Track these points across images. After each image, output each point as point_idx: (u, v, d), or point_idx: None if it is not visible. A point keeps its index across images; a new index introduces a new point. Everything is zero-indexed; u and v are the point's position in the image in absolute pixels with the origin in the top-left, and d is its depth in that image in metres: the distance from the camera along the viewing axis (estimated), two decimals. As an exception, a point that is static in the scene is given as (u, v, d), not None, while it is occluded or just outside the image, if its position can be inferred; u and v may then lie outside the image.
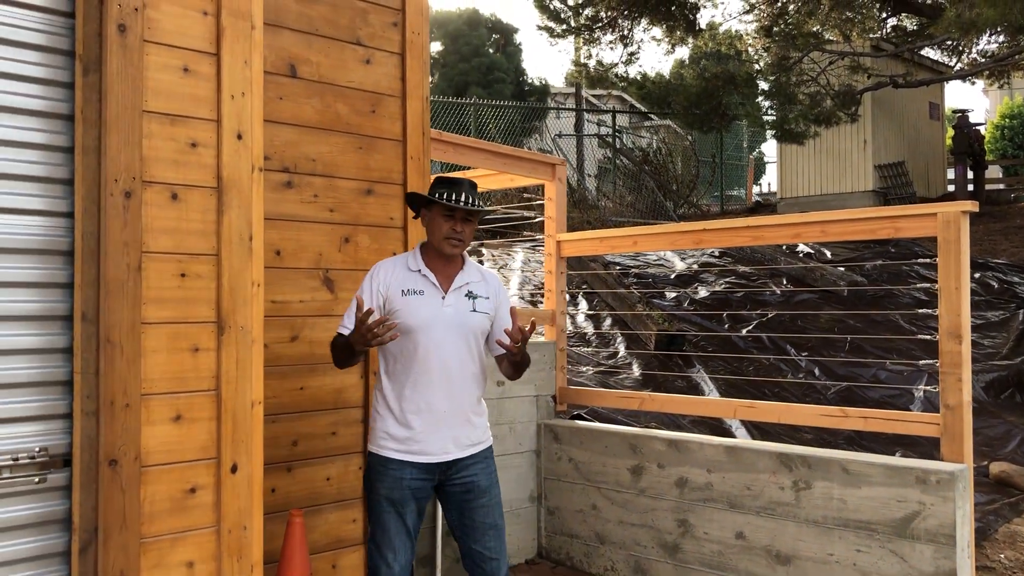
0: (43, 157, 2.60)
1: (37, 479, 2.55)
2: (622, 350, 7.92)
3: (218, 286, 2.77)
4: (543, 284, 6.66)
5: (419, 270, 3.27)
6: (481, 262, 10.33)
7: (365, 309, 2.90)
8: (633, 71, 16.75)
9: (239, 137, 2.81)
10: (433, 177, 3.48)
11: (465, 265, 3.36)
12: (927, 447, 6.04)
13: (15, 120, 2.56)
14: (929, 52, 17.15)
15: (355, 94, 3.75)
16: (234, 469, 2.77)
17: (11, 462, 2.50)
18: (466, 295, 3.29)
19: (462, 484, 3.27)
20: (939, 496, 3.74)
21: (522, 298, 8.94)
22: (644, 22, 16.01)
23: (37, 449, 2.55)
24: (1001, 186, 19.74)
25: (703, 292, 9.38)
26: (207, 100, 2.77)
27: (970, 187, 16.29)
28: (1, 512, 2.49)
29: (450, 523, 3.36)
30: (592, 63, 16.44)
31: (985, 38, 14.74)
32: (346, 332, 3.14)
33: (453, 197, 3.19)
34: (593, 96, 26.88)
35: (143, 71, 2.63)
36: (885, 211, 4.19)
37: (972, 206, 3.95)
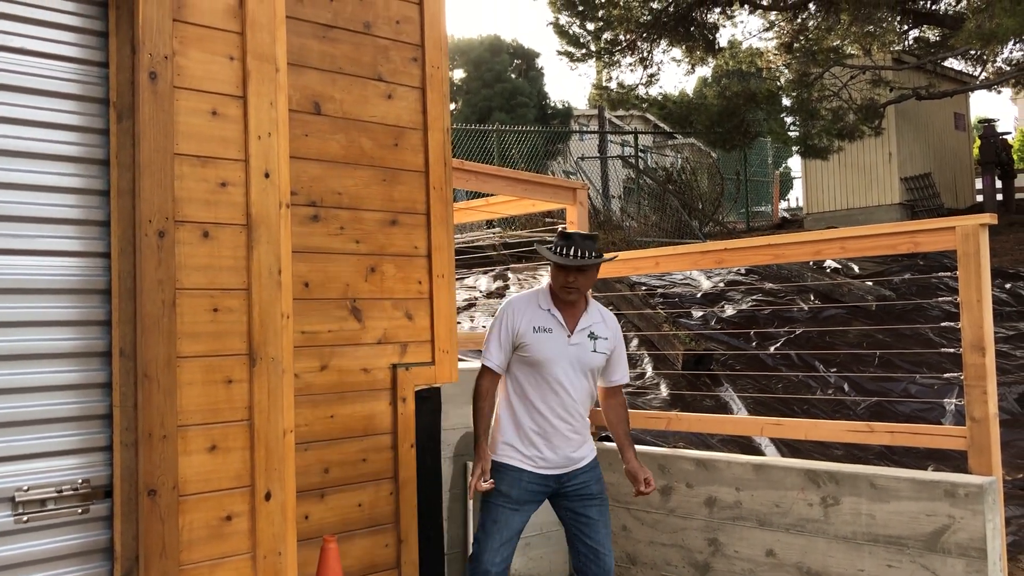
0: (80, 201, 2.72)
1: (80, 510, 2.65)
2: (649, 370, 7.95)
3: (249, 319, 2.87)
4: (568, 307, 6.71)
5: (548, 309, 3.76)
6: (507, 286, 10.42)
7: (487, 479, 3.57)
8: (654, 92, 16.76)
9: (266, 175, 2.92)
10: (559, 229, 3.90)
11: (588, 307, 3.82)
12: (959, 461, 6.00)
13: (53, 167, 2.68)
14: (952, 63, 17.08)
15: (378, 128, 3.86)
16: (268, 496, 2.85)
17: (55, 494, 2.61)
18: (589, 336, 3.76)
19: (575, 489, 3.74)
20: (968, 509, 3.73)
21: (549, 321, 9.00)
22: (663, 43, 16.13)
23: (79, 481, 2.65)
24: (1032, 195, 19.53)
25: (730, 310, 9.38)
26: (235, 141, 2.88)
27: (999, 197, 16.15)
28: (47, 543, 2.59)
29: (566, 522, 3.82)
30: (613, 85, 16.57)
31: (1008, 47, 14.69)
32: (490, 364, 3.76)
33: (564, 251, 3.65)
34: (616, 117, 26.99)
35: (174, 116, 2.75)
36: (904, 226, 4.22)
37: (991, 218, 3.97)
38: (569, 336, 3.72)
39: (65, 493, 2.62)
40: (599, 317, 3.84)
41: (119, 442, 2.66)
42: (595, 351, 3.76)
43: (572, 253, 3.64)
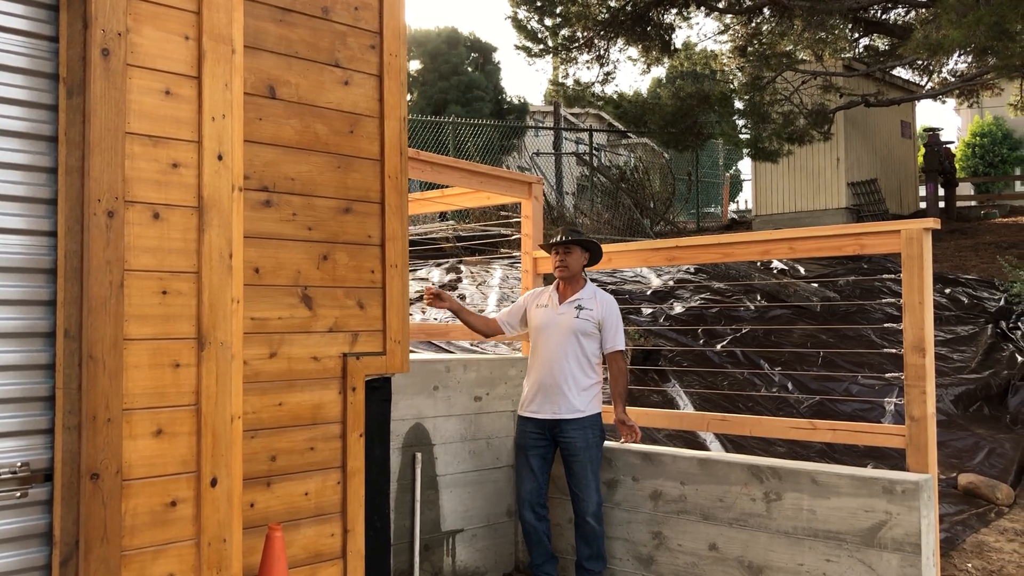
0: (26, 177, 2.65)
1: (18, 494, 2.58)
2: (599, 366, 7.99)
3: (198, 303, 2.83)
4: (520, 301, 6.72)
5: (549, 292, 4.97)
6: (460, 279, 10.40)
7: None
8: (610, 90, 16.92)
9: (220, 158, 2.88)
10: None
11: (583, 289, 4.87)
12: (898, 460, 6.15)
13: (-1, 141, 2.61)
14: (900, 72, 17.47)
15: (334, 115, 3.82)
16: (214, 483, 2.82)
17: (-7, 477, 2.54)
18: (576, 307, 4.79)
19: (565, 443, 4.70)
20: (905, 506, 3.83)
21: (500, 315, 9.01)
22: (620, 42, 16.22)
23: (19, 464, 2.59)
24: (972, 203, 20.07)
25: (678, 308, 9.49)
26: (188, 122, 2.84)
27: (941, 204, 16.57)
28: (-17, 526, 2.52)
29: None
30: (570, 82, 16.62)
31: (954, 58, 15.07)
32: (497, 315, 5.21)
33: (554, 238, 4.93)
34: (571, 114, 27.07)
35: (126, 94, 2.70)
36: (850, 228, 4.31)
37: (934, 223, 4.08)
38: (558, 308, 4.83)
39: (3, 476, 2.55)
40: (590, 295, 4.85)
41: (61, 425, 2.61)
42: (578, 318, 4.75)
43: (558, 238, 4.87)
